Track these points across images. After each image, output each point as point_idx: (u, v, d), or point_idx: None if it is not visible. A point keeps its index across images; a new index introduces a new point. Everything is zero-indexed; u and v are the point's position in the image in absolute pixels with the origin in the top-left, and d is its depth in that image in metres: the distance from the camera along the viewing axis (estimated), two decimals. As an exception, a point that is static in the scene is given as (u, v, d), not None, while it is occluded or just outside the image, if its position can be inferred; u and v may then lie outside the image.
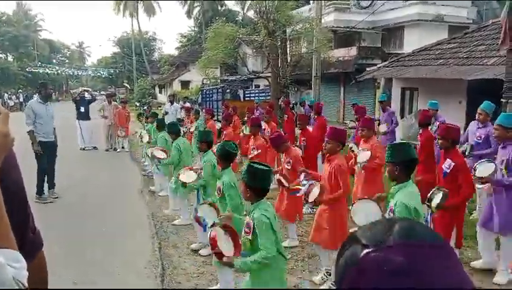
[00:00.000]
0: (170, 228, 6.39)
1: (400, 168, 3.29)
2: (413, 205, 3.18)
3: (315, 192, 4.35)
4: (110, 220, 6.72)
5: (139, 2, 45.36)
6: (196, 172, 5.34)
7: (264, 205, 3.15)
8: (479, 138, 6.27)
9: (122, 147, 13.71)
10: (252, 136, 7.45)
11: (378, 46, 20.50)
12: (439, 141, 4.61)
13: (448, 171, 4.42)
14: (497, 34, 11.06)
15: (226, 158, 4.31)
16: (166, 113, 14.41)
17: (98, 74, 47.91)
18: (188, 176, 5.27)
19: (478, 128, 6.31)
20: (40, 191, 7.77)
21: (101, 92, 42.22)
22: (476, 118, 6.46)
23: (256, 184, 3.13)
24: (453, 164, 4.40)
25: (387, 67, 14.22)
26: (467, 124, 7.75)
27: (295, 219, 5.78)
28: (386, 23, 20.55)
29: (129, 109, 15.04)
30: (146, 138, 9.35)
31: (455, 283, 0.63)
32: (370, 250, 0.65)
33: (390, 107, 10.06)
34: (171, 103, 15.14)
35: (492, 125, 6.25)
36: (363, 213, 3.63)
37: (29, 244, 1.30)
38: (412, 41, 18.62)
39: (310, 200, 4.39)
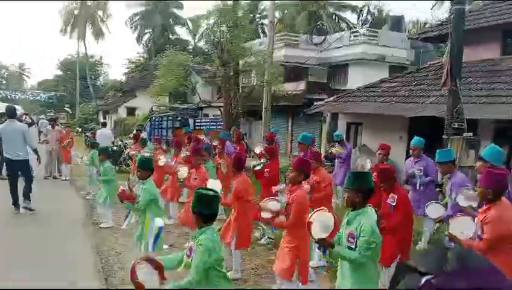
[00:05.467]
0: (117, 262, 6.03)
1: (361, 195, 3.40)
2: (376, 229, 3.32)
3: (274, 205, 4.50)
4: (51, 253, 6.23)
5: (88, 23, 44.18)
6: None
7: (211, 231, 3.18)
8: (419, 171, 6.69)
9: (60, 175, 12.99)
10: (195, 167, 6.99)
11: (324, 82, 21.36)
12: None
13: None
14: (433, 75, 11.96)
15: (147, 169, 5.15)
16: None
17: (38, 97, 45.60)
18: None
19: (415, 162, 6.75)
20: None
21: (41, 117, 40.09)
22: (411, 153, 6.94)
23: (202, 210, 3.18)
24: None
25: (334, 102, 14.78)
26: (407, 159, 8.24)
27: (242, 246, 5.69)
28: (333, 60, 21.55)
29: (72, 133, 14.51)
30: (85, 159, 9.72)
31: None
32: (430, 277, 0.68)
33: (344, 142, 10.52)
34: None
35: (427, 158, 6.76)
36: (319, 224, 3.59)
37: None
38: (355, 79, 19.60)
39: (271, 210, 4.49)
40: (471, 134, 7.29)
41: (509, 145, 9.39)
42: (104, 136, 13.82)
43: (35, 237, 7.03)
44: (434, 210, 5.12)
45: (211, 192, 3.27)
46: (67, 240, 7.01)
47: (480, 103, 9.45)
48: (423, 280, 0.68)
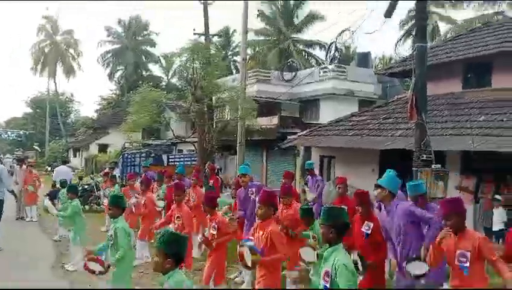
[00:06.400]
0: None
1: (334, 231, 3.32)
2: (351, 266, 3.25)
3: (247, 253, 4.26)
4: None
5: (59, 61, 43.76)
6: None
7: (178, 275, 3.07)
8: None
9: (27, 216, 12.48)
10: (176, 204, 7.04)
11: (297, 116, 21.75)
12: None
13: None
14: (401, 108, 12.38)
15: (119, 207, 4.90)
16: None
17: (6, 135, 44.31)
18: None
19: None
20: None
21: (6, 156, 38.73)
22: None
23: (175, 250, 3.06)
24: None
25: (306, 136, 15.03)
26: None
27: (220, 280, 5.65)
28: (304, 96, 22.07)
29: (37, 173, 14.05)
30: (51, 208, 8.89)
31: None
32: None
33: (315, 174, 10.49)
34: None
35: (401, 192, 6.87)
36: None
37: None
38: (326, 113, 20.06)
39: (247, 264, 4.27)
40: (439, 166, 7.51)
41: (476, 175, 9.72)
42: (63, 173, 13.00)
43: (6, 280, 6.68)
44: None
45: (179, 233, 3.28)
46: (38, 283, 6.69)
47: (446, 135, 9.82)
48: None
